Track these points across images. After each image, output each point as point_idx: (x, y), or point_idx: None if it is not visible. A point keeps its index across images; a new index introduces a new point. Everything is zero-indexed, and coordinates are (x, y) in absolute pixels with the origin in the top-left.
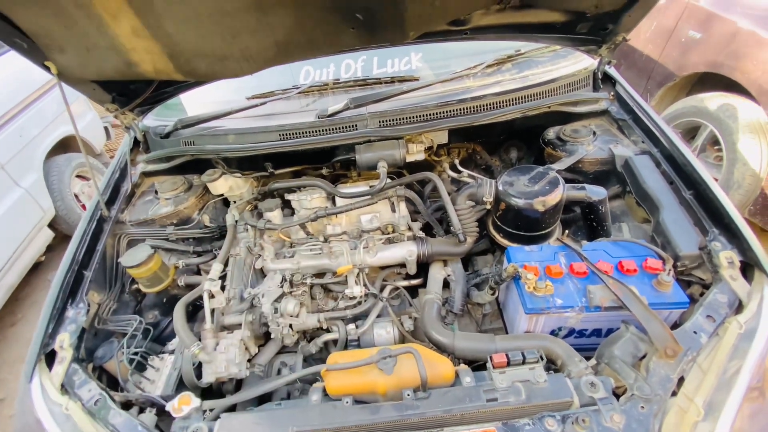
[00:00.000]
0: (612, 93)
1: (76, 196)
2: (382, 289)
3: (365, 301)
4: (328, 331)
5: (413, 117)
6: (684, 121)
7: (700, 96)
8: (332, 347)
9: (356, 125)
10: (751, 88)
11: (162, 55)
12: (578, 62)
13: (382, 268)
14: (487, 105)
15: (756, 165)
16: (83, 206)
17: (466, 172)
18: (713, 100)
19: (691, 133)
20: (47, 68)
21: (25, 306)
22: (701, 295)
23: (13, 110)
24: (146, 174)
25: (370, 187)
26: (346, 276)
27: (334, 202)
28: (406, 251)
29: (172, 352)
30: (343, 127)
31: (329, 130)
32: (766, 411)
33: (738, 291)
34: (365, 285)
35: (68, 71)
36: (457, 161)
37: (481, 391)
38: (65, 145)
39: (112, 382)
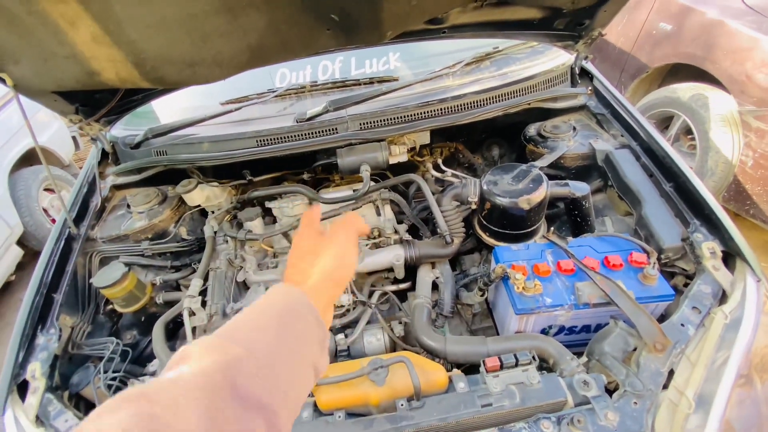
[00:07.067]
0: (590, 88)
1: (45, 210)
2: (370, 295)
3: (354, 309)
4: None
5: (394, 118)
6: (657, 112)
7: (673, 87)
8: None
9: (336, 128)
10: (721, 78)
11: (126, 62)
12: (556, 58)
13: (370, 273)
14: (468, 104)
15: (728, 152)
16: (53, 220)
17: (449, 171)
18: (685, 90)
19: (664, 123)
20: (2, 80)
21: None
22: (685, 285)
23: None
24: (117, 187)
25: (354, 191)
26: None
27: None
28: (393, 256)
29: (153, 373)
30: (322, 131)
31: (309, 134)
32: (754, 397)
33: (721, 281)
34: (353, 292)
35: (25, 83)
36: (440, 161)
37: (475, 396)
38: (31, 158)
39: (91, 410)
